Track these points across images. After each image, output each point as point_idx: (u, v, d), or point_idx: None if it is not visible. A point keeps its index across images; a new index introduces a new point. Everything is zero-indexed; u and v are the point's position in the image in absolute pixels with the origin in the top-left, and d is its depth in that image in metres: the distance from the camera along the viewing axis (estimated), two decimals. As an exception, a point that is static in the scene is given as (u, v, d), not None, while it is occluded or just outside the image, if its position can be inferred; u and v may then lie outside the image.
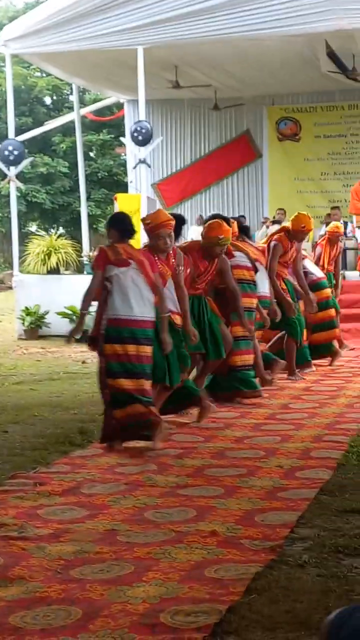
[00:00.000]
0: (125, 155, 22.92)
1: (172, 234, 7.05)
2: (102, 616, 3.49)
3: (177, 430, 7.13)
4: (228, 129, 19.47)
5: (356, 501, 4.96)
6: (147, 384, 6.57)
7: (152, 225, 7.00)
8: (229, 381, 8.43)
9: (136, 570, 3.99)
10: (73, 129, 21.11)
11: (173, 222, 7.05)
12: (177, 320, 7.20)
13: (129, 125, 18.23)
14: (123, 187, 24.63)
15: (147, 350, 6.59)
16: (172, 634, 3.30)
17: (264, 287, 9.08)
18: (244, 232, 9.20)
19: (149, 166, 15.54)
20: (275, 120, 19.08)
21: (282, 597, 3.64)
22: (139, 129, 14.45)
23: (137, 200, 14.85)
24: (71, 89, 23.09)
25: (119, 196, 16.22)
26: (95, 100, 25.62)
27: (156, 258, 6.93)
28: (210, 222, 8.06)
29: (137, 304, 6.55)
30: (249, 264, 8.63)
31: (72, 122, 20.13)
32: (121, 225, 6.81)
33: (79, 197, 20.07)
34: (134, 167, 15.97)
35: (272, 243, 9.63)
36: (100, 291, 6.59)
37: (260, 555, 4.15)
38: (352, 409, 7.96)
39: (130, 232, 6.77)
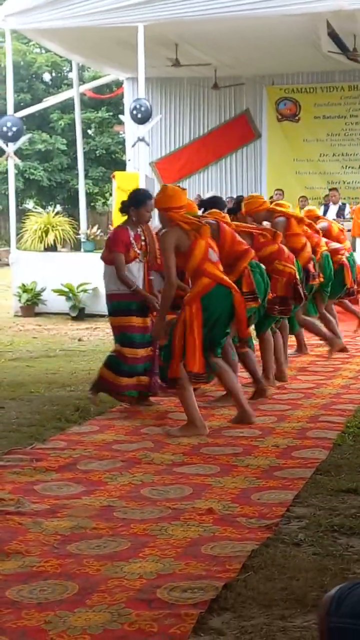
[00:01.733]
0: (123, 133, 22.81)
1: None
2: (98, 591, 3.50)
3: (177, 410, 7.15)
4: (227, 109, 19.38)
5: (352, 481, 4.98)
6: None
7: None
8: None
9: (133, 546, 4.00)
10: (72, 106, 20.99)
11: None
12: None
13: (128, 103, 18.13)
14: (121, 165, 24.55)
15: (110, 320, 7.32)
16: (168, 609, 3.32)
17: None
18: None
19: (148, 144, 15.46)
20: (275, 100, 19.00)
21: (278, 574, 3.66)
22: (138, 106, 14.36)
23: (135, 178, 14.78)
24: (70, 65, 22.99)
25: (117, 174, 16.15)
26: (94, 78, 25.45)
27: None
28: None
29: None
30: None
31: (71, 99, 20.00)
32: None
33: (77, 174, 19.97)
34: (133, 145, 15.85)
35: None
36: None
37: (257, 533, 4.17)
38: (349, 390, 7.97)
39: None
